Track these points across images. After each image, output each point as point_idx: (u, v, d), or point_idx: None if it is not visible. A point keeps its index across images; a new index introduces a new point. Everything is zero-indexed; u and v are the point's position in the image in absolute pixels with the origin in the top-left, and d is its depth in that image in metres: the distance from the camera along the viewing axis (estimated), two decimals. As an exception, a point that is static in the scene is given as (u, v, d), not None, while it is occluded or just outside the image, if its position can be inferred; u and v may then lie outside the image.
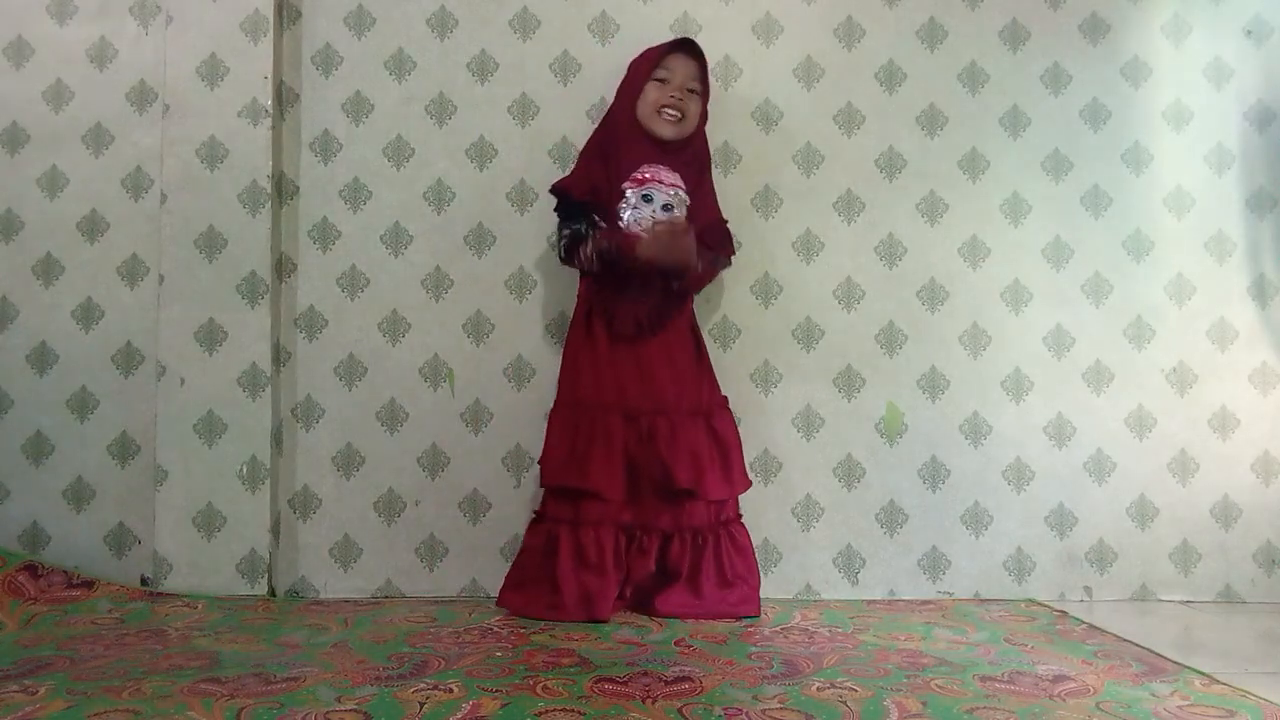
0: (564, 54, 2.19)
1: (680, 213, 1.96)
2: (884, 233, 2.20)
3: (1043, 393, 2.18)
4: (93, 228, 2.19)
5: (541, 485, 1.95)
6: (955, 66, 2.22)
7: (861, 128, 2.21)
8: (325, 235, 2.17)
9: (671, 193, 1.96)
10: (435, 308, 2.16)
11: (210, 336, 2.09)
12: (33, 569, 1.96)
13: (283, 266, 2.16)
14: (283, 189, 2.17)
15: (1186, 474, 2.18)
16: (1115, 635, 1.77)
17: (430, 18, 2.20)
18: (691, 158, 2.02)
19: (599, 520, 1.87)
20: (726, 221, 2.05)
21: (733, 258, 2.07)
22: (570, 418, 1.92)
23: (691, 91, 2.00)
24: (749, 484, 2.01)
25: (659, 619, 1.85)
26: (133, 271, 2.18)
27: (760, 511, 2.13)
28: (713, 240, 1.99)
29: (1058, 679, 1.46)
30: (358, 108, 2.19)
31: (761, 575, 2.09)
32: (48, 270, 2.18)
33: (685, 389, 1.94)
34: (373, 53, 2.19)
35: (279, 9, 2.16)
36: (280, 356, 2.15)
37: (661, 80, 1.99)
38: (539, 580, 1.87)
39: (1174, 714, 1.31)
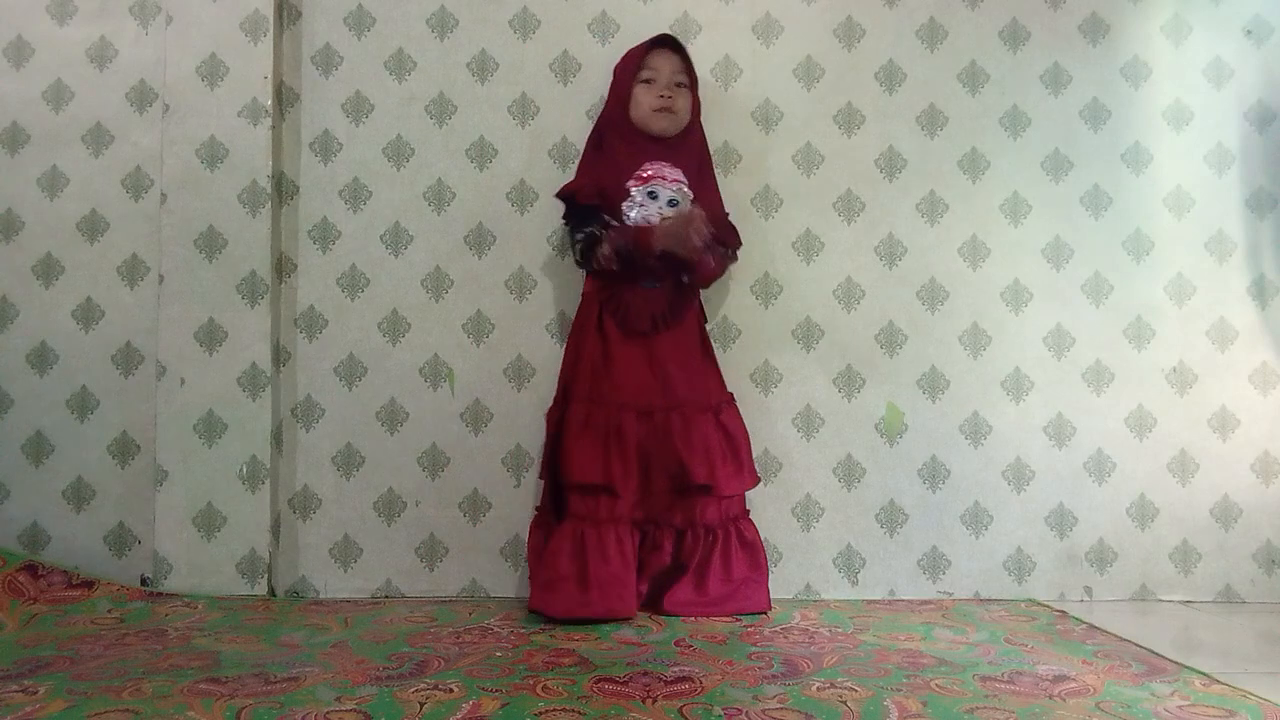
0: (564, 54, 2.19)
1: (685, 206, 1.97)
2: (884, 233, 2.20)
3: (1043, 393, 2.18)
4: (93, 228, 2.19)
5: (566, 483, 1.89)
6: (955, 66, 2.22)
7: (861, 128, 2.21)
8: (325, 235, 2.17)
9: (675, 188, 1.98)
10: (435, 308, 2.16)
11: (210, 336, 2.09)
12: (33, 569, 1.96)
13: (283, 266, 2.16)
14: (283, 189, 2.17)
15: (1186, 474, 2.18)
16: (1115, 635, 1.77)
17: (430, 18, 2.20)
18: (690, 152, 2.04)
19: (618, 518, 1.87)
20: (729, 214, 2.06)
21: (739, 251, 2.07)
22: (585, 416, 1.91)
23: (679, 85, 2.02)
24: (758, 479, 2.03)
25: (658, 618, 1.85)
26: (133, 271, 2.18)
27: (760, 511, 2.13)
28: (720, 235, 1.99)
29: (1058, 679, 1.46)
30: (358, 108, 2.19)
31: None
32: (48, 270, 2.18)
33: (696, 384, 1.96)
34: (373, 53, 2.19)
35: (279, 9, 2.16)
36: (280, 356, 2.15)
37: (648, 81, 2.01)
38: (568, 579, 1.84)
39: (1174, 714, 1.31)
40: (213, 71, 2.12)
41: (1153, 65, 2.23)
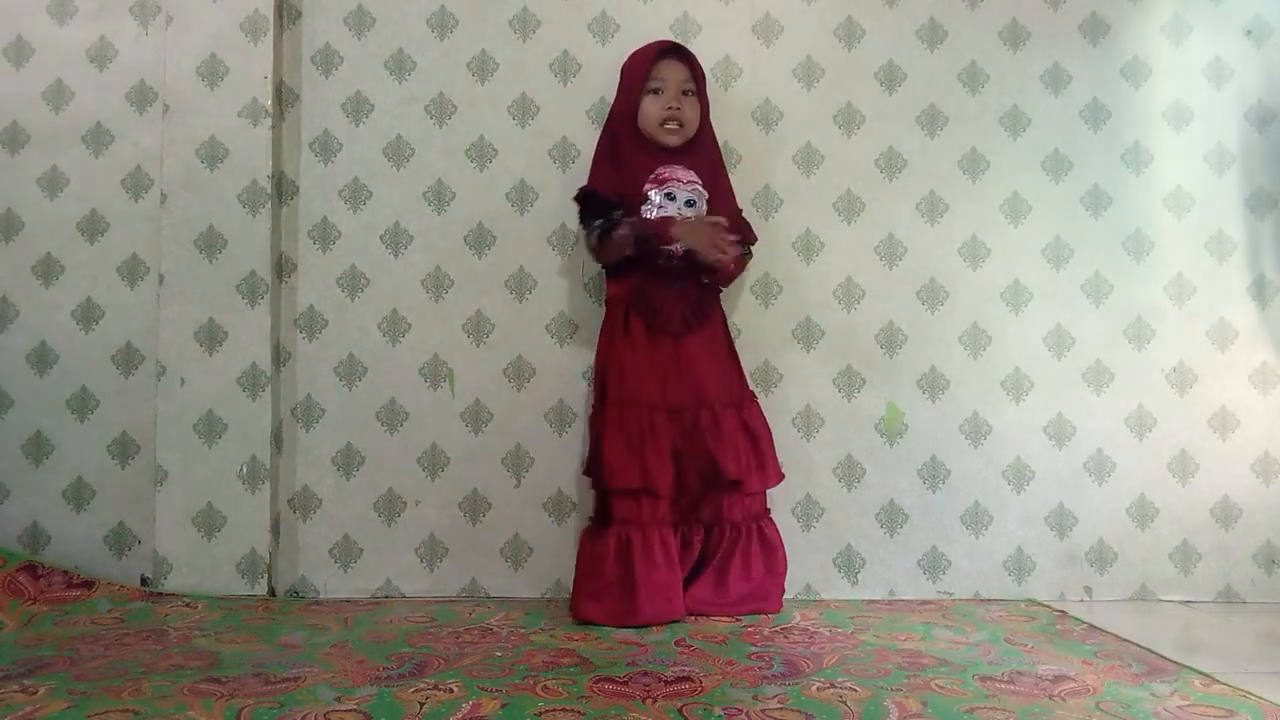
0: (564, 54, 2.19)
1: (702, 207, 1.98)
2: (884, 233, 2.20)
3: (1043, 393, 2.18)
4: (93, 228, 2.19)
5: (605, 489, 1.89)
6: (955, 66, 2.22)
7: (861, 128, 2.21)
8: (325, 235, 2.17)
9: (691, 189, 1.99)
10: (435, 308, 2.16)
11: (210, 336, 2.09)
12: (33, 569, 1.96)
13: (283, 266, 2.16)
14: (283, 189, 2.17)
15: (1186, 474, 2.17)
16: (1115, 635, 1.77)
17: (430, 18, 2.20)
18: (702, 153, 2.04)
19: (660, 518, 1.87)
20: (742, 211, 2.08)
21: (754, 247, 2.07)
22: (619, 418, 1.90)
23: (686, 94, 2.02)
24: (782, 476, 2.02)
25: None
26: (133, 271, 2.18)
27: (760, 511, 2.13)
28: (739, 234, 2.00)
29: (1058, 679, 1.46)
30: (358, 108, 2.19)
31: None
32: (48, 270, 2.18)
33: (722, 382, 1.96)
34: (373, 53, 2.19)
35: (279, 9, 2.16)
36: (280, 356, 2.15)
37: (656, 91, 2.00)
38: (615, 586, 1.83)
39: (1174, 714, 1.31)
40: (213, 71, 2.12)
41: (1153, 65, 2.23)
